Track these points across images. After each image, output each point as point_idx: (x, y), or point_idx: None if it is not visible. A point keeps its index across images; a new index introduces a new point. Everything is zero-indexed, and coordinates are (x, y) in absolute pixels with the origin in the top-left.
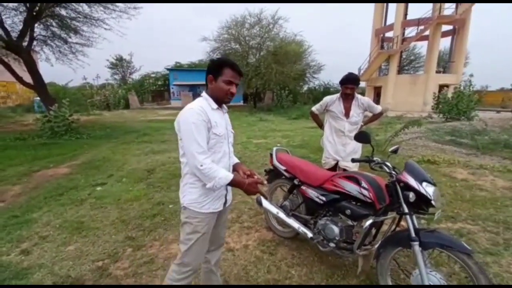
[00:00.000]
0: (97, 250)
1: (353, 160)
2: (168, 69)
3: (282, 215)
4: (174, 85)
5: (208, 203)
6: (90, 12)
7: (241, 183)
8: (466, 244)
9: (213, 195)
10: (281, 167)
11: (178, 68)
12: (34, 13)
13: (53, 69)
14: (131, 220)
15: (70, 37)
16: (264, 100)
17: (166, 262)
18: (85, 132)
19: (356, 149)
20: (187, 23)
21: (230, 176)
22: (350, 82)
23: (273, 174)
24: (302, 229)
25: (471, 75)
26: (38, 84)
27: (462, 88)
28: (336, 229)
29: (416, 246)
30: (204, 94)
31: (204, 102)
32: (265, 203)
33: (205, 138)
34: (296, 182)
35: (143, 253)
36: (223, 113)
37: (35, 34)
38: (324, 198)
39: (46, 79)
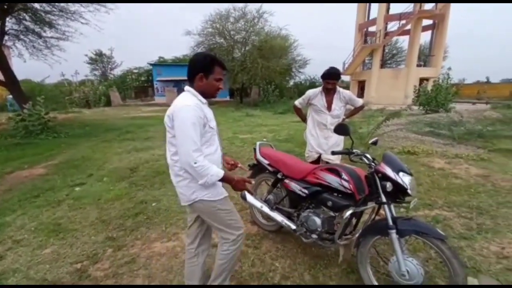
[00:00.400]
0: (75, 252)
1: (333, 153)
2: (151, 65)
3: (266, 209)
4: (158, 81)
5: (219, 189)
6: (66, 5)
7: (230, 180)
8: (440, 230)
9: (219, 184)
10: (265, 162)
11: (161, 64)
12: (5, 7)
13: (29, 65)
14: (112, 220)
15: (44, 31)
16: (250, 95)
17: (148, 261)
18: (63, 130)
19: (339, 142)
20: (170, 16)
21: (221, 172)
22: (331, 77)
23: (257, 168)
24: (286, 222)
25: (449, 69)
26: (10, 81)
27: (440, 81)
28: (318, 221)
29: (393, 234)
30: (190, 89)
31: (194, 98)
32: (250, 197)
33: (199, 135)
34: (279, 176)
35: (124, 253)
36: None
37: (6, 29)
38: (306, 191)
39: (21, 75)
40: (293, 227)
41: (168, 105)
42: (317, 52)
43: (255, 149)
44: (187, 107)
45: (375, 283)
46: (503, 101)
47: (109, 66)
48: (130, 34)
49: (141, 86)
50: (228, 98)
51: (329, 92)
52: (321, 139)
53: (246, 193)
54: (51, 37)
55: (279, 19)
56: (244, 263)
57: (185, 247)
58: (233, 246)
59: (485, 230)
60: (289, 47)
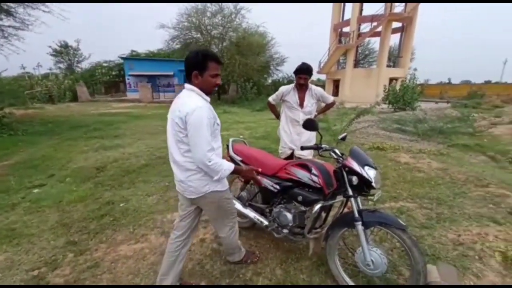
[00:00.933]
0: (32, 258)
1: (302, 148)
2: (122, 58)
3: (239, 205)
4: (130, 75)
5: (225, 181)
6: None
7: (239, 170)
8: (402, 221)
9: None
10: (237, 158)
11: (134, 58)
12: None
13: None
14: (74, 223)
15: (1, 19)
16: (228, 92)
17: (113, 265)
18: (21, 128)
19: (311, 138)
20: (144, 8)
21: (232, 166)
22: (303, 72)
23: None
24: (259, 218)
25: (415, 69)
26: None
27: (407, 81)
28: (289, 216)
29: (359, 226)
30: (194, 88)
31: (201, 98)
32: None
33: (210, 133)
34: None
35: (86, 257)
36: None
37: None
38: (278, 187)
39: None
40: (265, 223)
41: (141, 101)
42: (294, 50)
43: (228, 146)
44: (200, 109)
45: (343, 274)
46: (462, 100)
47: (76, 59)
48: (100, 26)
49: (112, 81)
50: None
51: (301, 89)
52: (294, 135)
53: None
54: (9, 26)
55: (256, 16)
56: (215, 261)
57: (169, 241)
58: (231, 229)
59: (443, 219)
60: (267, 45)
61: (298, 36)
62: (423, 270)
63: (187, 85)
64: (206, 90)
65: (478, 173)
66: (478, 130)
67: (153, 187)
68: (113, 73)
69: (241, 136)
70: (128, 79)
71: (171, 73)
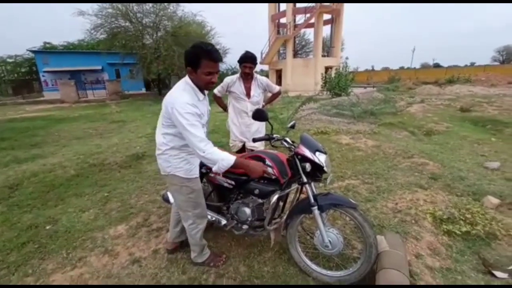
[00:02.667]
0: None
1: (254, 140)
2: (32, 52)
3: None
4: (45, 72)
5: (193, 170)
6: None
7: (244, 165)
8: (352, 200)
9: (196, 163)
10: None
11: (48, 51)
12: None
13: None
14: None
15: None
16: (170, 86)
17: None
18: None
19: (260, 128)
20: None
21: (232, 159)
22: (248, 61)
23: None
24: (216, 217)
25: (347, 58)
26: None
27: (341, 69)
28: (248, 210)
29: (315, 210)
30: (189, 82)
31: (192, 92)
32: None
33: (200, 127)
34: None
35: None
36: (206, 100)
37: None
38: (233, 182)
39: None
40: (224, 221)
41: (63, 101)
42: (236, 41)
43: None
44: (186, 105)
45: (304, 258)
46: (384, 84)
47: None
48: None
49: (21, 79)
50: (143, 91)
51: (247, 79)
52: (243, 127)
53: (168, 194)
54: None
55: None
56: (173, 272)
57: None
58: (195, 226)
59: (382, 191)
60: (207, 35)
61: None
62: (374, 242)
63: (186, 77)
64: (201, 86)
65: (403, 146)
66: (399, 109)
67: (89, 201)
68: (22, 70)
69: None
70: (43, 76)
71: (99, 67)
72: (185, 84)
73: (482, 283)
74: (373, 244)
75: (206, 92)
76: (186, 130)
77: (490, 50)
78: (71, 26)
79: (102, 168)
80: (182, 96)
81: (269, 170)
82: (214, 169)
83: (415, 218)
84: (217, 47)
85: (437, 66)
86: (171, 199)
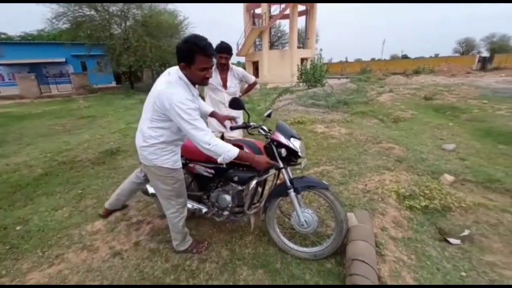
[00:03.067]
0: None
1: (232, 128)
2: None
3: None
4: (0, 65)
5: (178, 161)
6: None
7: (248, 158)
8: (324, 181)
9: (179, 154)
10: None
11: (4, 41)
12: None
13: None
14: None
15: None
16: (142, 79)
17: None
18: None
19: (238, 118)
20: None
21: (236, 151)
22: (223, 51)
23: None
24: (196, 206)
25: (321, 50)
26: None
27: (315, 61)
28: (228, 197)
29: (292, 193)
30: (184, 78)
31: (187, 89)
32: (152, 190)
33: (202, 120)
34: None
35: None
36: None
37: None
38: (212, 171)
39: None
40: (205, 209)
41: (23, 97)
42: (211, 31)
43: None
44: (178, 98)
45: (283, 238)
46: (357, 75)
47: None
48: None
49: None
50: (114, 84)
51: (223, 69)
52: (234, 115)
53: (148, 186)
54: None
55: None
56: (155, 261)
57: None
58: (177, 213)
59: (353, 175)
60: (180, 25)
61: (215, 15)
62: (345, 219)
63: (179, 71)
64: (195, 82)
65: (373, 133)
66: (370, 99)
67: (61, 199)
68: None
69: None
70: None
71: (62, 59)
72: (178, 79)
73: (439, 250)
74: (344, 220)
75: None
76: (189, 124)
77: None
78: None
79: (73, 165)
80: (180, 92)
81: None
82: (219, 160)
83: (381, 196)
84: None
85: (405, 57)
86: (150, 191)
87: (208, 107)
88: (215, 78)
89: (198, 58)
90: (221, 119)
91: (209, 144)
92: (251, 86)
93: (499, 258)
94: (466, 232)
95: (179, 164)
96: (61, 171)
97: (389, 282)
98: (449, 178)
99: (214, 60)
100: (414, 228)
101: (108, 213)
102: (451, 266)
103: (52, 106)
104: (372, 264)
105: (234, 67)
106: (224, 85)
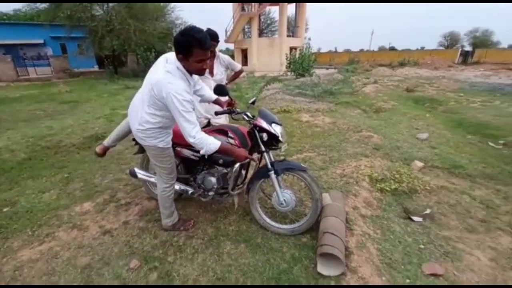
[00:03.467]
0: None
1: (216, 113)
2: None
3: None
4: None
5: (169, 142)
6: None
7: (229, 151)
8: (303, 164)
9: (171, 135)
10: None
11: None
12: None
13: None
14: None
15: None
16: (127, 64)
17: (17, 272)
18: None
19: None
20: None
21: (217, 144)
22: (210, 38)
23: None
24: (183, 187)
25: (310, 39)
26: None
27: (304, 50)
28: (213, 179)
29: (272, 174)
30: (181, 68)
31: (185, 79)
32: (140, 173)
33: (194, 113)
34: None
35: None
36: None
37: None
38: (198, 154)
39: None
40: (191, 191)
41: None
42: (199, 15)
43: None
44: (175, 89)
45: (264, 217)
46: (344, 66)
47: None
48: None
49: None
50: (96, 68)
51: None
52: (208, 105)
53: (136, 169)
54: None
55: None
56: (144, 238)
57: None
58: (166, 189)
59: (333, 161)
60: (165, 8)
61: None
62: (320, 198)
63: (177, 61)
64: (192, 72)
65: (355, 122)
66: (355, 89)
67: (48, 182)
68: None
69: None
70: None
71: (41, 41)
72: (176, 69)
73: (402, 226)
74: (319, 199)
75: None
76: (181, 116)
77: (437, 35)
78: None
79: (58, 150)
80: (178, 83)
81: (231, 141)
82: (201, 152)
83: (356, 180)
84: (178, 21)
85: (392, 49)
86: (138, 174)
87: (212, 94)
88: None
89: (195, 50)
90: (222, 105)
91: (194, 138)
92: (237, 73)
93: (454, 233)
94: (428, 211)
95: (169, 143)
96: (45, 155)
97: (355, 252)
98: (419, 164)
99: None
100: (383, 208)
101: (105, 150)
102: (412, 240)
103: (31, 90)
104: (341, 236)
105: (220, 54)
106: (211, 72)
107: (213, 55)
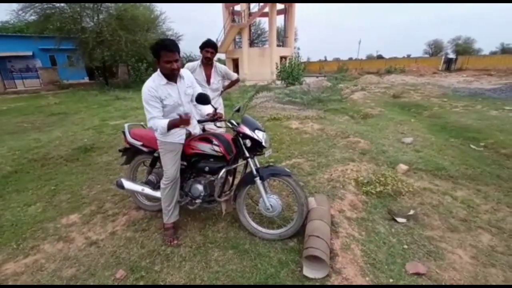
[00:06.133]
0: None
1: (199, 122)
2: None
3: (148, 190)
4: None
5: (169, 136)
6: None
7: (176, 122)
8: (287, 169)
9: (171, 131)
10: (137, 143)
11: None
12: None
13: None
14: None
15: None
16: (117, 75)
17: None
18: None
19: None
20: None
21: (165, 123)
22: (210, 46)
23: (131, 152)
24: None
25: (298, 49)
26: None
27: (293, 59)
28: (200, 187)
29: (258, 180)
30: (158, 71)
31: (158, 79)
32: (127, 184)
33: (156, 106)
34: (156, 154)
35: None
36: (176, 85)
37: None
38: (185, 163)
39: None
40: (178, 199)
41: None
42: (189, 27)
43: (124, 132)
44: (144, 88)
45: (252, 222)
46: (334, 74)
47: None
48: None
49: None
50: (86, 80)
51: (207, 66)
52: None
53: (123, 180)
54: None
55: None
56: (131, 248)
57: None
58: (166, 187)
59: (321, 166)
60: (156, 20)
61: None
62: (305, 202)
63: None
64: (166, 74)
65: (343, 128)
66: (344, 97)
67: (34, 195)
68: None
69: (142, 123)
70: None
71: (29, 53)
72: (156, 75)
73: (387, 227)
74: (304, 204)
75: (181, 78)
76: (144, 105)
77: (422, 43)
78: None
79: (45, 162)
80: (148, 82)
81: (216, 148)
82: (157, 133)
83: (342, 184)
84: (169, 33)
85: (380, 57)
86: (125, 185)
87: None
88: (200, 74)
89: (162, 53)
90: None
91: (149, 124)
92: (234, 82)
93: (437, 233)
94: (412, 212)
95: (167, 139)
96: (32, 168)
97: (340, 254)
98: (403, 167)
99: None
100: (368, 210)
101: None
102: (396, 240)
103: (18, 103)
104: (326, 238)
105: (217, 64)
106: (208, 81)
107: (211, 64)
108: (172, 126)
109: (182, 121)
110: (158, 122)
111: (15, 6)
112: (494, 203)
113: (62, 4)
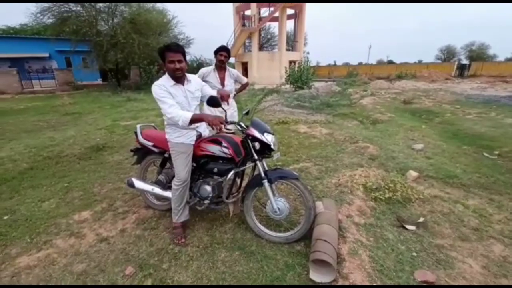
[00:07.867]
0: None
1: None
2: None
3: (157, 190)
4: None
5: (180, 137)
6: None
7: (203, 117)
8: (295, 172)
9: (182, 132)
10: (149, 144)
11: None
12: None
13: None
14: None
15: None
16: (130, 77)
17: (14, 278)
18: None
19: (234, 113)
20: None
21: (189, 114)
22: (224, 50)
23: (142, 152)
24: None
25: (308, 53)
26: None
27: (302, 64)
28: (208, 188)
29: (266, 183)
30: (166, 74)
31: (166, 80)
32: (138, 183)
33: (170, 97)
34: (166, 155)
35: None
36: (183, 86)
37: None
38: (194, 164)
39: None
40: (187, 199)
41: (4, 92)
42: (200, 31)
43: (136, 133)
44: (154, 86)
45: (259, 225)
46: (343, 79)
47: None
48: None
49: None
50: (100, 81)
51: (221, 69)
52: (218, 113)
53: (134, 179)
54: None
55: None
56: (140, 246)
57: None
58: (177, 185)
59: (329, 171)
60: (169, 24)
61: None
62: (313, 206)
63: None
64: (171, 75)
65: (352, 133)
66: (353, 101)
67: (48, 191)
68: None
69: (152, 124)
70: None
71: (46, 54)
72: (164, 75)
73: (396, 234)
74: (312, 207)
75: (188, 82)
76: (158, 100)
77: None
78: (12, 8)
79: (59, 160)
80: (158, 81)
81: (225, 150)
82: (179, 123)
83: (351, 189)
84: (180, 37)
85: (390, 62)
86: (136, 184)
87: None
88: (214, 77)
89: (166, 54)
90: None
91: (170, 114)
92: (244, 86)
93: (447, 241)
94: (421, 219)
95: (178, 140)
96: (47, 165)
97: (347, 259)
98: (413, 174)
99: (211, 59)
100: (376, 216)
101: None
102: (405, 248)
103: (35, 102)
104: (333, 243)
105: (230, 68)
106: (222, 84)
107: (224, 68)
108: (196, 120)
109: (215, 121)
110: (180, 112)
111: (33, 9)
112: (508, 213)
113: (79, 8)
